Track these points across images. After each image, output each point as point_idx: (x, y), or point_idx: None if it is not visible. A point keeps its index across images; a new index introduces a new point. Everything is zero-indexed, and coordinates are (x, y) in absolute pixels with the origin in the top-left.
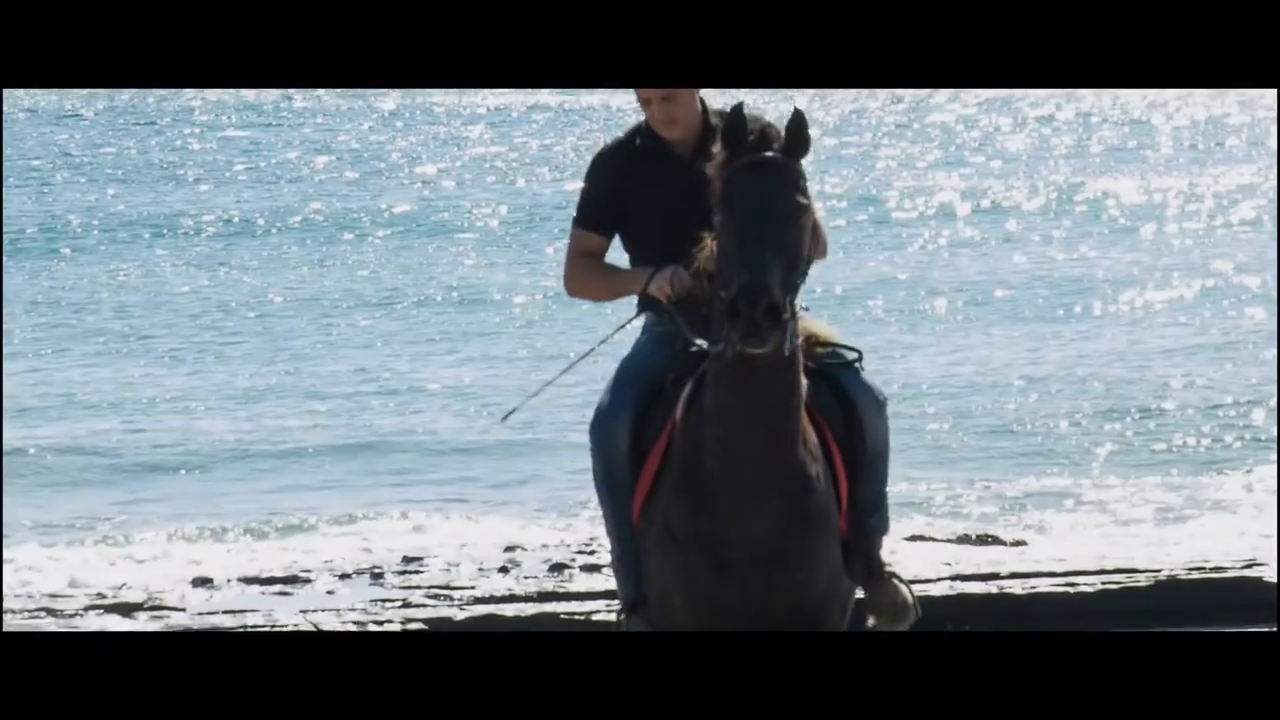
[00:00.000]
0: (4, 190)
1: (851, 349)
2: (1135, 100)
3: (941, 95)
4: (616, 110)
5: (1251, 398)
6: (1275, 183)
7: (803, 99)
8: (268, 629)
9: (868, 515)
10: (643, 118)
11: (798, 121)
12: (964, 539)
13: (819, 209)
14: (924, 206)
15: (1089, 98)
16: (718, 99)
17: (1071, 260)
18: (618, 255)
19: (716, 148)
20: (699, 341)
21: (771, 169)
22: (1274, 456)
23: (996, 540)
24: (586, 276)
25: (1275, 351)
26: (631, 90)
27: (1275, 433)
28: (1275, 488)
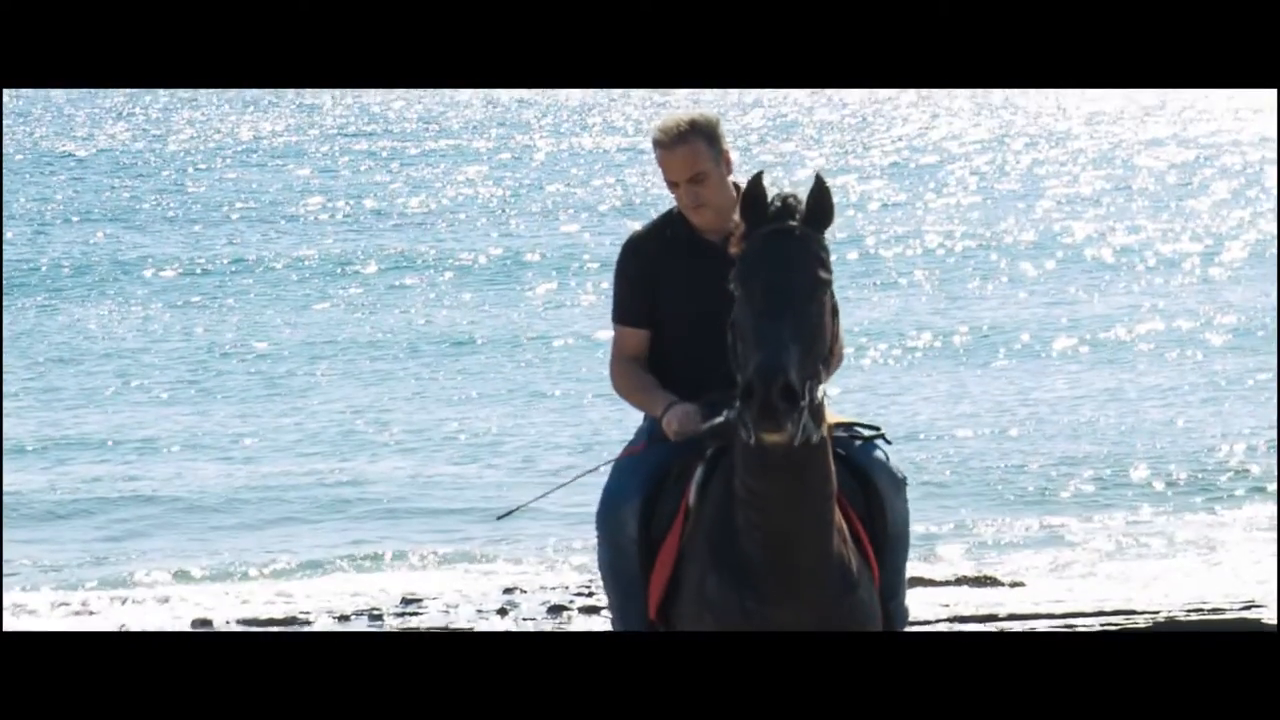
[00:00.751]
0: (2, 233)
1: (870, 427)
2: (1129, 138)
3: (936, 134)
4: (615, 151)
5: (1247, 438)
6: (1275, 217)
7: (794, 143)
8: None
9: (888, 600)
10: (669, 208)
11: (820, 189)
12: (962, 580)
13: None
14: (917, 248)
15: (1083, 136)
16: (716, 99)
17: (1063, 301)
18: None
19: (735, 218)
20: (715, 420)
21: (791, 240)
22: (1268, 496)
23: (994, 581)
24: (624, 382)
25: (1269, 390)
26: (650, 135)
27: (1274, 472)
28: (1274, 527)
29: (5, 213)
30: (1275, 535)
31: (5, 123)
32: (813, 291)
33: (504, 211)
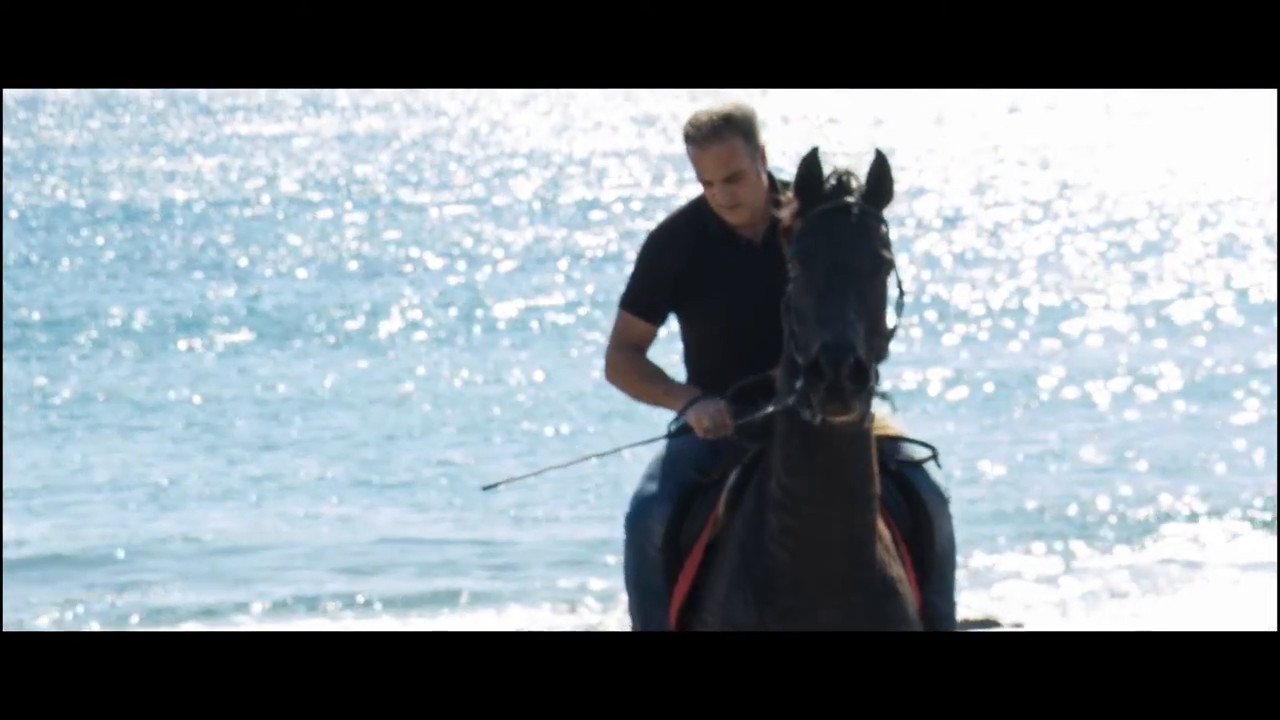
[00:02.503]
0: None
1: (924, 445)
2: (1130, 186)
3: (928, 178)
4: (599, 203)
5: (1246, 474)
6: (1274, 218)
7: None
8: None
9: (939, 626)
10: (699, 195)
11: (880, 166)
12: (963, 622)
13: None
14: (911, 300)
15: (1075, 183)
16: (710, 98)
17: (1060, 341)
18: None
19: (789, 195)
20: (750, 416)
21: (851, 217)
22: (1267, 533)
23: (994, 623)
24: (628, 373)
25: (1268, 427)
26: (697, 180)
27: (1272, 507)
28: (1274, 564)
29: (10, 258)
30: (1275, 571)
31: (6, 169)
32: (876, 269)
33: (501, 256)
